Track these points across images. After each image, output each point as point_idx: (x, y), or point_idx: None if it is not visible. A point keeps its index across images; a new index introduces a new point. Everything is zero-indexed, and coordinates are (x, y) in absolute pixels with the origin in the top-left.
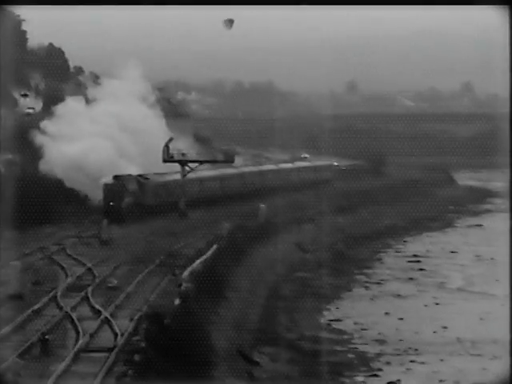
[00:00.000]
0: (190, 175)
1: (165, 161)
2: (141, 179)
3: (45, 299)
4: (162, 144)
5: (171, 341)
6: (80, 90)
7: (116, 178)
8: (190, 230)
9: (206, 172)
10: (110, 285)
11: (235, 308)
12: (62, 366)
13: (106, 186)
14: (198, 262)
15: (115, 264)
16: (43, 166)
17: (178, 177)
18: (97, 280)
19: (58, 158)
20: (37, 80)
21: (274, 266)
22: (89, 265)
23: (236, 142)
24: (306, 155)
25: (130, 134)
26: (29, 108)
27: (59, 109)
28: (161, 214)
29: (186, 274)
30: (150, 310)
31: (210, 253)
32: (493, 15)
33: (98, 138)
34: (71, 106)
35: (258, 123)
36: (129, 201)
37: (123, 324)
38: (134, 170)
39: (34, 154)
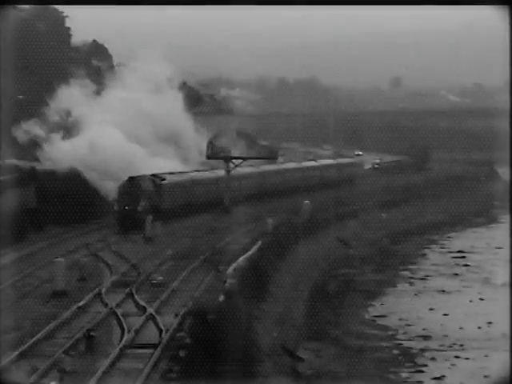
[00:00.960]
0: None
1: (209, 157)
2: (156, 180)
3: (90, 296)
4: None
5: (216, 337)
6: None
7: (131, 179)
8: (234, 226)
9: (245, 169)
10: (154, 281)
11: (279, 304)
12: (106, 363)
13: (120, 188)
14: (242, 258)
15: (160, 260)
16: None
17: (197, 175)
18: (141, 276)
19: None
20: (81, 76)
21: (318, 262)
22: (133, 261)
23: (280, 139)
24: (360, 152)
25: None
26: None
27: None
28: (178, 218)
29: (230, 270)
30: (195, 306)
31: (254, 249)
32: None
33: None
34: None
35: (301, 119)
36: (145, 205)
37: (168, 320)
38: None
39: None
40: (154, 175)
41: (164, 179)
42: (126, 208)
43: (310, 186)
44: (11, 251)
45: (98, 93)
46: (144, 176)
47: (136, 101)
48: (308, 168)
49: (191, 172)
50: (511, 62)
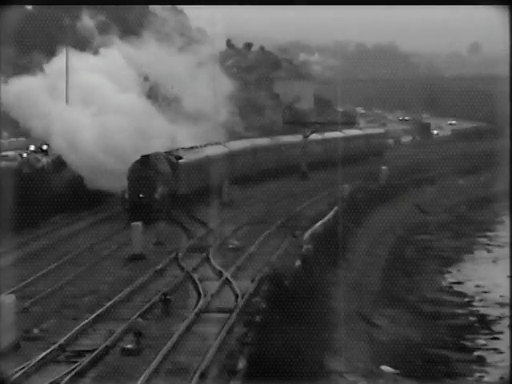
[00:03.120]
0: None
1: (285, 122)
2: (172, 158)
3: (166, 260)
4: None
5: (291, 302)
6: None
7: (144, 158)
8: (311, 192)
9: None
10: (230, 246)
11: (355, 269)
12: (183, 327)
13: (133, 170)
14: (318, 223)
15: (236, 225)
16: None
17: (216, 150)
18: (218, 241)
19: None
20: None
21: (394, 228)
22: (210, 226)
23: (358, 104)
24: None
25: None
26: None
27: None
28: (197, 204)
29: (306, 235)
30: (271, 271)
31: (330, 214)
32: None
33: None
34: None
35: (380, 85)
36: (163, 190)
37: (244, 285)
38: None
39: None
40: (168, 152)
41: (181, 157)
42: (141, 196)
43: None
44: (89, 215)
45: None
46: (159, 154)
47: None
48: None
49: (208, 146)
50: (511, 61)
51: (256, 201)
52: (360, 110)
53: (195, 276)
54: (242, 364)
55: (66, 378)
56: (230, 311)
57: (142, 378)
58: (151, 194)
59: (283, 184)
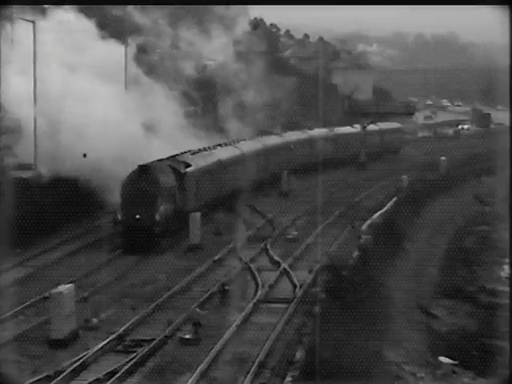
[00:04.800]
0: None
1: (345, 113)
2: (178, 166)
3: (225, 250)
4: None
5: (350, 293)
6: None
7: (143, 168)
8: (370, 182)
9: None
10: (289, 236)
11: (414, 260)
12: (241, 316)
13: (128, 184)
14: (377, 214)
15: (294, 215)
16: None
17: (230, 152)
18: (276, 231)
19: None
20: None
21: (453, 218)
22: (268, 216)
23: (416, 94)
24: None
25: None
26: None
27: None
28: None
29: (365, 226)
30: (329, 262)
31: (389, 205)
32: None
33: None
34: None
35: (438, 75)
36: (166, 209)
37: (302, 275)
38: None
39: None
40: (172, 157)
41: (189, 165)
42: (138, 218)
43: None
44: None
45: None
46: (161, 162)
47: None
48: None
49: (217, 148)
50: (511, 61)
51: (314, 191)
52: (419, 100)
53: (253, 266)
54: (300, 354)
55: (125, 368)
56: (288, 301)
57: (200, 368)
58: (151, 215)
59: (341, 174)
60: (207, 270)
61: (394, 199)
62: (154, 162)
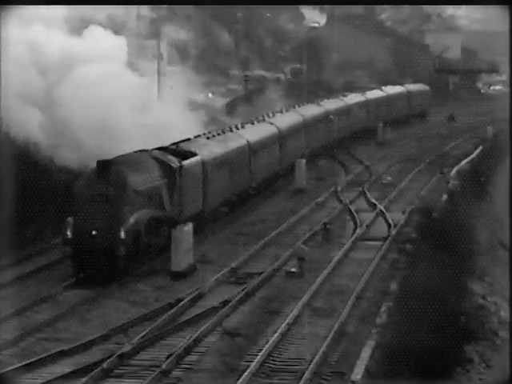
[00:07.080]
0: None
1: (435, 70)
2: (170, 159)
3: (326, 194)
4: None
5: (439, 233)
6: None
7: (102, 165)
8: (458, 134)
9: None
10: (384, 181)
11: (497, 203)
12: (340, 253)
13: (81, 188)
14: (464, 161)
15: (390, 163)
16: None
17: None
18: (373, 177)
19: None
20: None
21: None
22: (366, 163)
23: (502, 55)
24: None
25: None
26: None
27: None
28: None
29: (453, 172)
30: (421, 204)
31: (475, 153)
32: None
33: None
34: None
35: None
36: (139, 221)
37: (396, 216)
38: None
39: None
40: (162, 148)
41: (190, 154)
42: (93, 234)
43: None
44: None
45: None
46: (138, 154)
47: None
48: None
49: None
50: (511, 61)
51: (407, 141)
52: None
53: (352, 208)
54: (394, 287)
55: (238, 297)
56: (384, 239)
57: (303, 298)
58: (113, 230)
59: (432, 126)
60: (311, 211)
61: (480, 148)
62: (125, 154)
